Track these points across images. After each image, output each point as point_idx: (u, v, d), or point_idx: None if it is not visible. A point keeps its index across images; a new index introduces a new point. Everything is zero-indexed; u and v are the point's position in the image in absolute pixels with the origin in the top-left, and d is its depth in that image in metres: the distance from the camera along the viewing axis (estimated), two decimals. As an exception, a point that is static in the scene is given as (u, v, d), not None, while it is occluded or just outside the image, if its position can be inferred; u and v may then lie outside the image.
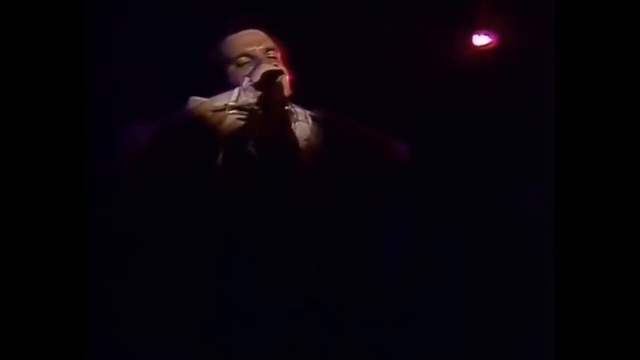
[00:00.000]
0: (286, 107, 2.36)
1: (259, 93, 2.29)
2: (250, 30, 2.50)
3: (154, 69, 2.93)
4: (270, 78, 2.31)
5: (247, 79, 2.35)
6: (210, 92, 2.34)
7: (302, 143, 2.42)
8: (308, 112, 2.50)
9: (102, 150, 2.14)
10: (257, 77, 2.32)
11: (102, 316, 2.16)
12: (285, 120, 2.39)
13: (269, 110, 2.30)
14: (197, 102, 2.35)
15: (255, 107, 2.27)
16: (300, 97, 2.43)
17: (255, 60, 2.41)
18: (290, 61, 2.47)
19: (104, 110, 2.47)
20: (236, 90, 2.33)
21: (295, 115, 2.46)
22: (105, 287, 2.31)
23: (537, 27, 3.03)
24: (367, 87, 3.18)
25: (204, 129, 2.27)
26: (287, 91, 2.38)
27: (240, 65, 2.42)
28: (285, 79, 2.37)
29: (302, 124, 2.46)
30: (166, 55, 2.93)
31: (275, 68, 2.34)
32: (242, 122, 2.26)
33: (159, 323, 2.25)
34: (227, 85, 2.39)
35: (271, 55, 2.45)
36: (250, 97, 2.29)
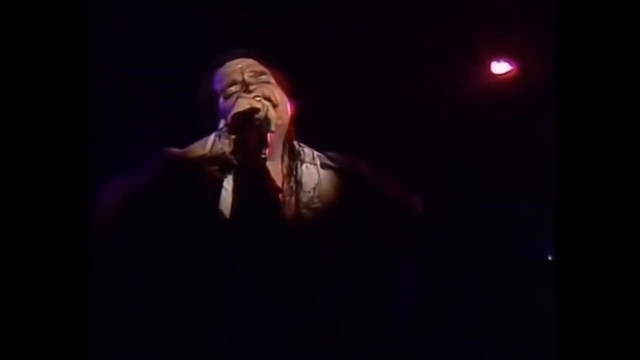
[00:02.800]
0: (263, 155, 1.98)
1: (234, 138, 1.96)
2: (239, 59, 2.21)
3: (154, 70, 2.91)
4: (244, 119, 1.97)
5: (222, 121, 2.02)
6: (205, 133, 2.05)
7: (307, 193, 2.08)
8: (316, 153, 2.20)
9: (102, 151, 2.12)
10: (232, 116, 1.98)
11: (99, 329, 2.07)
12: (265, 169, 2.03)
13: (247, 158, 1.97)
14: (171, 154, 2.02)
15: (230, 157, 1.94)
16: (301, 130, 2.18)
17: (243, 89, 2.10)
18: (291, 88, 2.17)
19: (104, 111, 2.46)
20: (212, 137, 1.99)
21: (302, 156, 2.16)
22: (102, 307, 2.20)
23: (538, 69, 3.01)
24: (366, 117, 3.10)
25: (178, 187, 1.96)
26: (275, 128, 2.02)
27: (228, 96, 2.11)
28: (271, 114, 2.02)
29: (310, 167, 2.14)
30: (166, 56, 2.91)
31: (246, 107, 1.98)
32: (218, 175, 1.96)
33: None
34: (218, 124, 2.07)
35: (263, 80, 2.15)
36: (225, 144, 1.95)
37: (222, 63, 2.20)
